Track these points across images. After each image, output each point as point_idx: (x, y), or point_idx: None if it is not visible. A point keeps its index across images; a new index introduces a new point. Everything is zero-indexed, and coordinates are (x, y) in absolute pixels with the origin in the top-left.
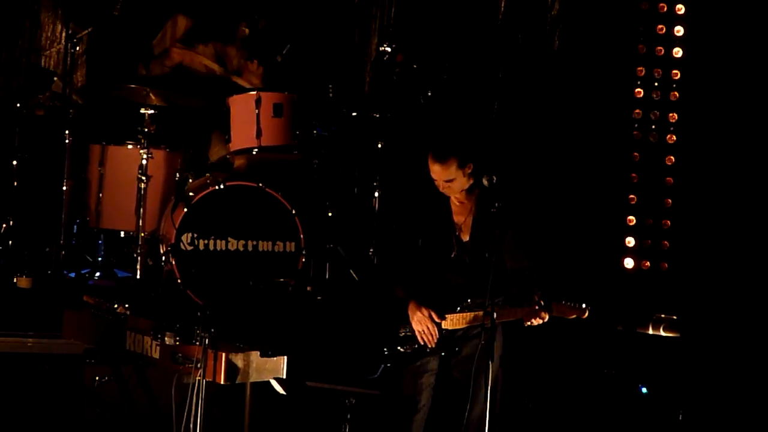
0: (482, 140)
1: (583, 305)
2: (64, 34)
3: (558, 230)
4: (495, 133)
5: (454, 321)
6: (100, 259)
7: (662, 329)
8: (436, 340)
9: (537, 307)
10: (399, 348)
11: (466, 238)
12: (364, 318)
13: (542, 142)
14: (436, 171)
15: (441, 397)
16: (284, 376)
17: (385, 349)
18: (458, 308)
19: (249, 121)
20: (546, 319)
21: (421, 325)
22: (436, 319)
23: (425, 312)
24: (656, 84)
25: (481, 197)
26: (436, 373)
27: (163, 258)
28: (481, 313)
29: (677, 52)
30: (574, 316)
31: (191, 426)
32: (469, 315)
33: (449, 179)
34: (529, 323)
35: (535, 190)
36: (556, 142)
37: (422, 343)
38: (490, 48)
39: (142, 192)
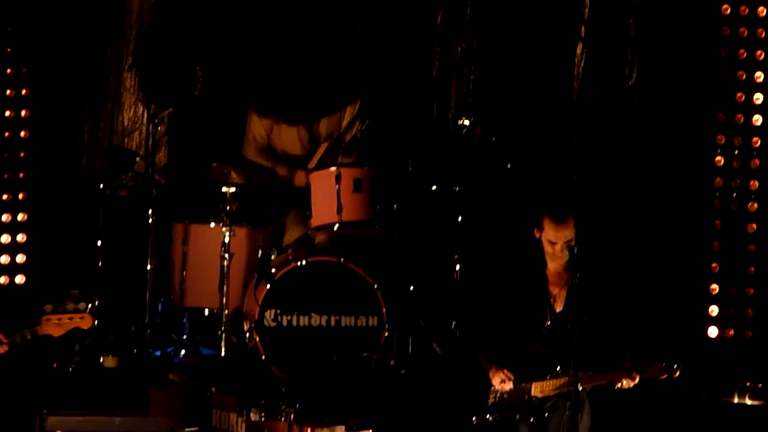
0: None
1: (674, 365)
2: (145, 115)
3: (644, 301)
4: (578, 203)
5: (543, 388)
6: (184, 337)
7: (747, 397)
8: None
9: (628, 368)
10: (488, 416)
11: (559, 308)
12: (448, 390)
13: (627, 213)
14: (556, 233)
15: None
16: None
17: (474, 419)
18: (548, 376)
19: (330, 196)
20: (636, 381)
21: (504, 384)
22: (512, 378)
23: (506, 372)
24: (736, 152)
25: (574, 269)
26: None
27: (247, 335)
28: (569, 380)
29: (757, 120)
30: (665, 376)
31: None
32: (557, 382)
33: (568, 240)
34: (619, 385)
35: (620, 261)
36: (640, 214)
37: (508, 404)
38: (567, 118)
39: (225, 270)
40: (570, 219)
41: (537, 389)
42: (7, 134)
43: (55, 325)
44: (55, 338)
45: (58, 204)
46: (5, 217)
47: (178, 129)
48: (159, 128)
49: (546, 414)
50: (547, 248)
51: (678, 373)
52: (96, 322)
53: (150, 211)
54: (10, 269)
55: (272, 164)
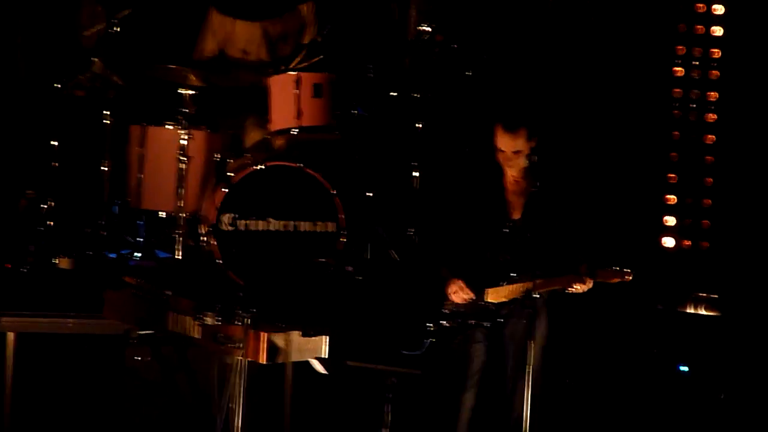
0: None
1: (627, 270)
2: (104, 14)
3: (598, 210)
4: (539, 112)
5: (497, 294)
6: (140, 239)
7: (703, 308)
8: (474, 309)
9: (581, 273)
10: (443, 322)
11: (517, 216)
12: (405, 297)
13: (583, 122)
14: (506, 142)
15: (489, 373)
16: (325, 356)
17: (429, 324)
18: (502, 282)
19: (289, 101)
20: (590, 285)
21: (458, 296)
22: (468, 291)
23: (458, 283)
24: (696, 63)
25: (533, 178)
26: (486, 346)
27: (204, 238)
28: (524, 285)
29: (717, 31)
30: (618, 280)
31: (232, 406)
32: (511, 287)
33: (517, 150)
34: (572, 289)
35: (576, 170)
36: (596, 123)
37: (464, 311)
38: (528, 26)
39: (183, 173)
40: (522, 130)
41: (491, 295)
42: None
43: None
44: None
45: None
46: None
47: (136, 30)
48: (117, 28)
49: (501, 320)
50: (499, 156)
51: (630, 277)
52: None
53: (107, 113)
54: None
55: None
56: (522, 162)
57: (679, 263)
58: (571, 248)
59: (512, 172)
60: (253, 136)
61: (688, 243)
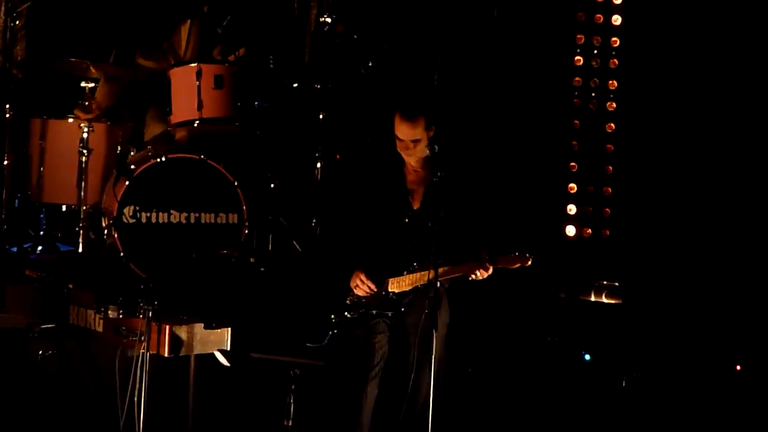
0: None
1: (527, 254)
2: (2, 8)
3: (502, 199)
4: (438, 102)
5: (399, 284)
6: (42, 233)
7: (604, 296)
8: (377, 299)
9: (482, 259)
10: (346, 314)
11: (417, 205)
12: (308, 288)
13: (484, 111)
14: (404, 130)
15: (391, 362)
16: (228, 348)
17: (332, 316)
18: (404, 272)
19: (190, 93)
20: (490, 271)
21: (360, 289)
22: (370, 283)
23: (360, 275)
24: (596, 51)
25: (433, 168)
26: (388, 336)
27: (106, 231)
28: (425, 274)
29: (616, 20)
30: (518, 264)
31: (136, 399)
32: (413, 277)
33: (415, 139)
34: (473, 276)
35: (478, 159)
36: (499, 113)
37: (366, 302)
38: (429, 17)
39: (84, 165)
40: (420, 119)
41: (393, 285)
42: None
43: None
44: None
45: None
46: None
47: (36, 22)
48: (17, 21)
49: (402, 309)
50: (398, 145)
51: (530, 262)
52: None
53: (7, 106)
54: None
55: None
56: (421, 151)
57: (581, 251)
58: (472, 237)
59: (412, 162)
60: (153, 129)
61: (589, 231)
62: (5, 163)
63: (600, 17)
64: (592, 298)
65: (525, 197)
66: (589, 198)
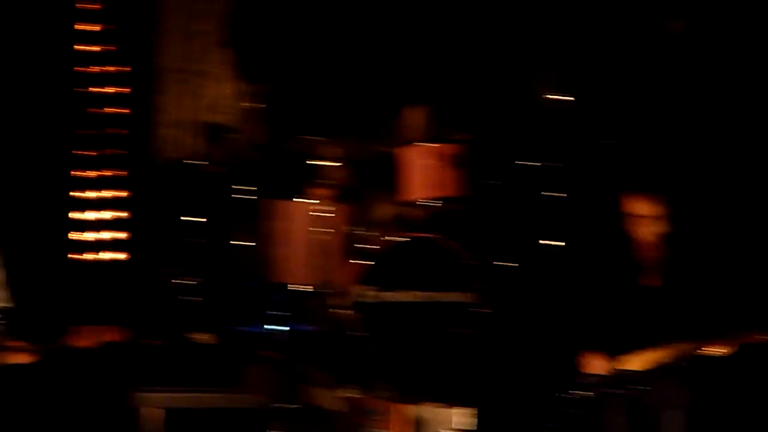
0: None
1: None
2: (240, 91)
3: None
4: (676, 180)
5: (638, 362)
6: (279, 313)
7: None
8: (612, 378)
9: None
10: (581, 392)
11: (655, 282)
12: (544, 366)
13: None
14: (640, 207)
15: None
16: (469, 428)
17: (565, 394)
18: (642, 350)
19: (424, 172)
20: (734, 348)
21: (598, 369)
22: (606, 363)
23: (597, 355)
24: None
25: (671, 243)
26: (627, 415)
27: (344, 311)
28: (666, 352)
29: None
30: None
31: None
32: (653, 355)
33: (650, 216)
34: (714, 352)
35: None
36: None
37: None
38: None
39: (322, 245)
40: (656, 195)
41: (631, 363)
42: None
43: None
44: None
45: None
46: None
47: (276, 105)
48: (256, 103)
49: (642, 388)
50: (632, 221)
51: None
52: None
53: (243, 187)
54: None
55: None
56: (656, 227)
57: None
58: (712, 313)
59: (648, 237)
60: (382, 208)
61: None
62: (243, 244)
63: None
64: None
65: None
66: None
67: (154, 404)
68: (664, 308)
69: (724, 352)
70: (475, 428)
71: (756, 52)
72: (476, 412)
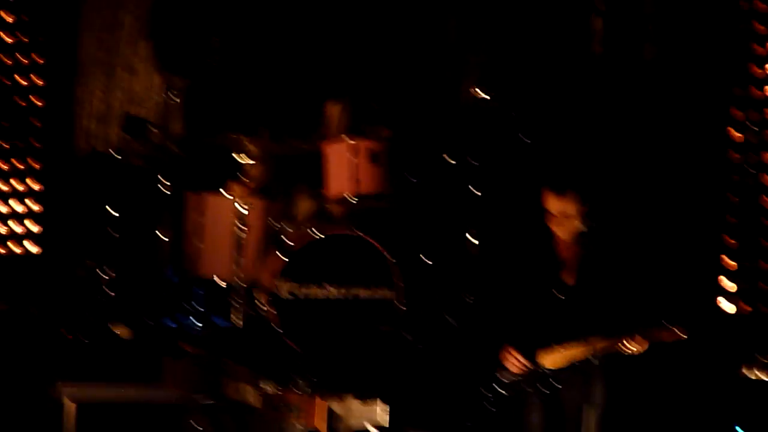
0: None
1: (681, 326)
2: (161, 85)
3: (656, 270)
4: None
5: (553, 359)
6: (198, 307)
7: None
8: (529, 375)
9: (638, 333)
10: (499, 389)
11: (570, 281)
12: (462, 363)
13: (635, 183)
14: (554, 204)
15: None
16: (386, 424)
17: (486, 392)
18: (557, 347)
19: (347, 169)
20: (646, 345)
21: (515, 367)
22: (523, 360)
23: (514, 353)
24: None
25: (586, 242)
26: (543, 412)
27: (262, 306)
28: (581, 349)
29: None
30: (673, 338)
31: None
32: (568, 352)
33: (566, 214)
34: (628, 351)
35: (632, 234)
36: (648, 184)
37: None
38: (584, 91)
39: (241, 241)
40: (570, 193)
41: (548, 360)
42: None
43: None
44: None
45: None
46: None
47: (193, 99)
48: (175, 98)
49: (559, 386)
50: (548, 218)
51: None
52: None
53: (164, 181)
54: None
55: None
56: (573, 226)
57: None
58: (627, 310)
59: (563, 236)
60: (304, 205)
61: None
62: (163, 237)
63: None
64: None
65: (678, 269)
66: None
67: (69, 398)
68: (579, 306)
69: (637, 350)
70: (392, 423)
71: (669, 55)
72: (394, 407)
